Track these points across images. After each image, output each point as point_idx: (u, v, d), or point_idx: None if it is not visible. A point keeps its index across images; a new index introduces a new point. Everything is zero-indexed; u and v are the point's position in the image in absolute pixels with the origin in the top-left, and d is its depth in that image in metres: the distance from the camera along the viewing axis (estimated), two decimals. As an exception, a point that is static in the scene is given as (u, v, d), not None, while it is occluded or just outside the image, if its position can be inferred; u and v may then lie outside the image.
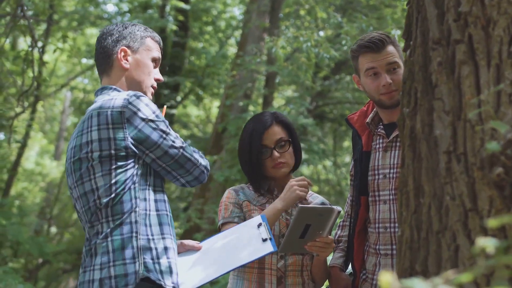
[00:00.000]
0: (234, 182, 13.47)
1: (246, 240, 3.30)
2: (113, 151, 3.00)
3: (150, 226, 3.02)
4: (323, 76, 12.82)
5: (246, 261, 3.23)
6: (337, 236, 3.80)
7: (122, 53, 3.24)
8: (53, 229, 21.46)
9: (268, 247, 3.21)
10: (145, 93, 3.25)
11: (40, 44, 7.07)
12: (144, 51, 3.27)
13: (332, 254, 3.76)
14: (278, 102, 16.56)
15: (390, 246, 3.40)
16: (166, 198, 3.18)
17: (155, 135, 3.03)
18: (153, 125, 3.03)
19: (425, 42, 2.43)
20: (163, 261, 3.01)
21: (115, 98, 3.04)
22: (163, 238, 3.04)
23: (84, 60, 19.22)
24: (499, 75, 2.23)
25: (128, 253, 2.95)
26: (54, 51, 8.40)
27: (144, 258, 2.95)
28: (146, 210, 3.03)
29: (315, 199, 3.80)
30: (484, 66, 2.25)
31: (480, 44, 2.27)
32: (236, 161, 13.01)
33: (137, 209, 3.01)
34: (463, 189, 2.20)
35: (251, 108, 13.78)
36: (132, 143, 3.01)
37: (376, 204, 3.47)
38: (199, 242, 3.45)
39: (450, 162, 2.25)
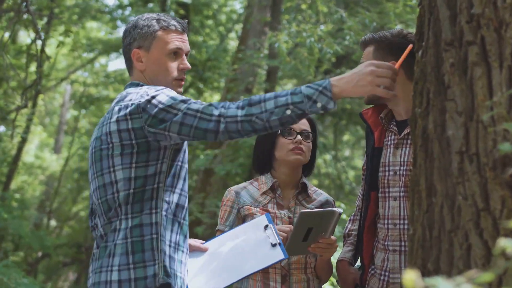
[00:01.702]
0: (235, 176, 13.51)
1: (254, 244, 3.30)
2: (134, 141, 2.95)
3: (166, 229, 2.96)
4: (324, 70, 12.80)
5: (257, 269, 3.23)
6: (347, 230, 3.83)
7: (136, 56, 3.18)
8: (53, 223, 21.48)
9: (279, 254, 3.22)
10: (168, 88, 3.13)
11: (41, 38, 7.05)
12: (156, 47, 3.15)
13: (341, 248, 3.79)
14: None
15: (398, 243, 3.43)
16: (186, 205, 3.09)
17: (168, 116, 2.89)
18: (167, 107, 2.90)
19: (437, 43, 2.46)
20: (171, 271, 2.95)
21: (137, 92, 3.01)
22: (169, 246, 2.97)
23: (84, 54, 19.20)
24: (511, 76, 2.25)
25: (148, 255, 2.90)
26: (58, 46, 8.42)
27: (164, 261, 2.91)
28: (166, 212, 2.97)
29: (319, 196, 3.82)
30: (497, 68, 2.27)
31: (492, 46, 2.30)
32: (238, 155, 13.05)
33: (158, 210, 2.95)
34: (475, 189, 2.23)
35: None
36: (149, 131, 2.92)
37: (386, 200, 3.50)
38: (203, 242, 3.45)
39: (463, 162, 2.28)
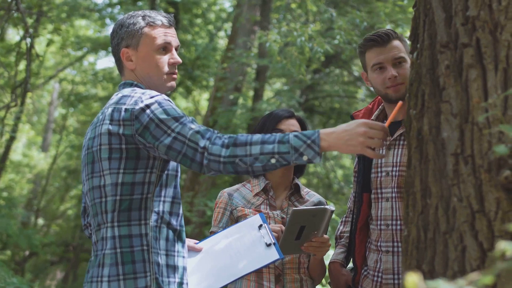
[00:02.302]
0: (223, 175, 13.50)
1: (249, 244, 3.29)
2: (123, 146, 2.91)
3: (159, 240, 2.92)
4: (313, 70, 12.85)
5: (252, 270, 3.21)
6: (339, 231, 3.84)
7: (125, 55, 3.14)
8: (40, 221, 21.42)
9: (274, 255, 3.20)
10: (161, 86, 3.13)
11: (31, 36, 7.02)
12: (144, 44, 3.10)
13: (333, 249, 3.79)
14: (266, 94, 16.59)
15: (391, 243, 3.44)
16: (180, 211, 3.05)
17: (158, 132, 2.84)
18: (158, 122, 2.84)
19: (433, 45, 2.47)
20: (165, 279, 2.90)
21: (131, 96, 2.96)
22: (166, 255, 2.93)
23: (72, 52, 19.15)
24: (506, 79, 2.26)
25: (140, 267, 2.86)
26: (48, 44, 8.39)
27: (155, 273, 2.87)
28: (157, 222, 2.92)
29: (311, 197, 3.82)
30: (492, 70, 2.28)
31: (487, 48, 2.31)
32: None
33: (148, 221, 2.91)
34: (470, 190, 2.24)
35: (241, 101, 13.80)
36: (139, 140, 2.88)
37: (379, 201, 3.51)
38: (197, 241, 3.43)
39: (458, 164, 2.29)
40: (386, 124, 2.76)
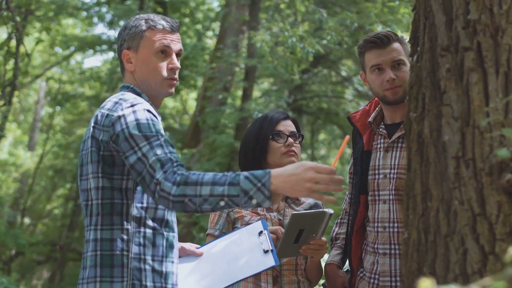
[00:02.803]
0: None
1: (247, 250, 3.29)
2: (101, 152, 2.93)
3: (144, 246, 2.91)
4: (302, 70, 12.86)
5: (247, 275, 3.21)
6: (334, 233, 3.84)
7: (125, 57, 3.14)
8: (26, 220, 21.33)
9: (270, 261, 3.19)
10: (158, 90, 3.11)
11: (21, 34, 6.99)
12: (144, 47, 3.09)
13: (329, 251, 3.79)
14: (255, 94, 16.59)
15: (388, 246, 3.45)
16: (167, 217, 3.02)
17: (126, 146, 2.84)
18: (128, 136, 2.83)
19: (433, 48, 2.47)
20: (149, 284, 2.90)
21: (115, 102, 2.97)
22: (153, 260, 2.92)
23: (60, 50, 19.08)
24: (507, 82, 2.28)
25: (117, 271, 2.87)
26: (37, 43, 8.36)
27: (133, 279, 2.86)
28: (139, 228, 2.92)
29: (307, 198, 3.82)
30: (493, 74, 2.30)
31: (488, 52, 2.32)
32: (215, 154, 13.03)
33: (130, 227, 2.91)
34: (471, 194, 2.25)
35: (229, 101, 13.79)
36: (113, 147, 2.90)
37: (376, 203, 3.51)
38: (198, 246, 3.44)
39: (459, 167, 2.30)
40: (332, 165, 2.70)
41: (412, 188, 2.50)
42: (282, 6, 11.73)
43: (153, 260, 2.92)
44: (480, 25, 2.35)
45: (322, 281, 3.83)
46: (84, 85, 19.13)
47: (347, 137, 2.81)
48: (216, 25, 17.52)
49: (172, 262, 3.01)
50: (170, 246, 3.01)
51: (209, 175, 2.68)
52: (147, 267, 2.89)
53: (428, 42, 2.51)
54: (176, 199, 2.67)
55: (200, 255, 3.36)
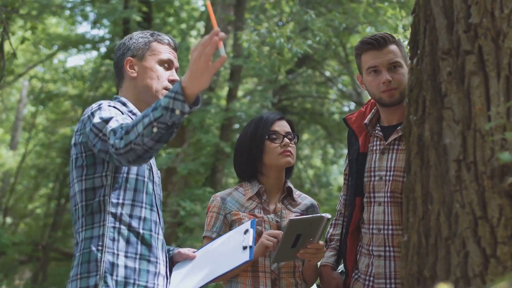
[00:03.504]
0: (197, 176, 13.47)
1: (231, 248, 3.31)
2: (83, 154, 3.06)
3: (118, 241, 2.99)
4: (286, 70, 12.86)
5: (224, 271, 3.22)
6: (329, 234, 3.83)
7: (129, 64, 3.26)
8: (8, 220, 21.18)
9: (244, 256, 3.20)
10: (156, 98, 3.20)
11: (7, 33, 6.94)
12: (150, 56, 3.26)
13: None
14: (240, 94, 16.58)
15: (383, 248, 3.45)
16: (147, 216, 3.10)
17: (92, 135, 2.96)
18: (93, 127, 2.96)
19: (434, 51, 2.48)
20: (120, 279, 2.97)
21: (89, 107, 3.10)
22: (126, 256, 3.00)
23: (43, 49, 18.94)
24: (509, 86, 2.29)
25: (93, 266, 2.96)
26: (22, 42, 8.30)
27: (105, 272, 2.95)
28: (115, 224, 3.01)
29: (304, 200, 3.82)
30: (494, 77, 2.31)
31: (490, 56, 2.33)
32: (200, 154, 13.02)
33: (105, 222, 3.00)
34: (473, 197, 2.26)
35: (215, 100, 13.78)
36: (89, 144, 3.01)
37: (371, 205, 3.51)
38: (195, 250, 3.45)
39: (460, 171, 2.30)
40: (214, 26, 2.67)
41: (412, 190, 2.50)
42: (268, 6, 11.72)
43: (125, 257, 3.00)
44: (481, 28, 2.36)
45: (316, 282, 3.83)
46: (67, 84, 19.02)
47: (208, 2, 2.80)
48: (201, 25, 17.49)
49: (149, 261, 3.06)
50: (146, 245, 3.07)
51: (141, 114, 2.77)
52: (120, 262, 2.98)
53: (429, 45, 2.51)
54: (125, 149, 2.75)
55: (193, 258, 3.37)
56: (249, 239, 3.24)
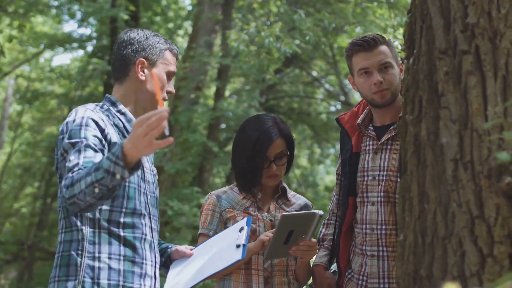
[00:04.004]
0: (185, 175, 13.46)
1: (226, 246, 3.31)
2: (59, 158, 3.05)
3: (99, 244, 3.01)
4: (274, 70, 12.86)
5: (217, 270, 3.22)
6: (321, 234, 3.83)
7: (140, 65, 3.23)
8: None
9: (237, 255, 3.20)
10: (155, 106, 3.19)
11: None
12: (161, 64, 3.27)
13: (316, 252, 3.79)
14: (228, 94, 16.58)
15: (376, 248, 3.46)
16: (127, 220, 3.09)
17: (59, 154, 3.02)
18: (64, 143, 2.99)
19: (430, 51, 2.48)
20: (103, 281, 2.99)
21: (70, 113, 3.11)
22: (109, 258, 3.01)
23: (31, 48, 18.86)
24: (506, 86, 2.29)
25: (72, 270, 2.98)
26: (10, 40, 8.28)
27: (84, 277, 2.96)
28: (94, 228, 3.02)
29: (298, 200, 3.82)
30: (491, 77, 2.31)
31: (487, 56, 2.33)
32: (187, 153, 12.99)
33: (84, 227, 3.02)
34: (469, 196, 2.26)
35: (202, 100, 13.76)
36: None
37: (364, 205, 3.52)
38: (193, 248, 3.45)
39: (457, 170, 2.31)
40: (159, 104, 2.74)
41: (408, 190, 2.50)
42: (256, 6, 11.71)
43: (109, 258, 3.01)
44: (478, 28, 2.37)
45: (309, 282, 3.84)
46: (53, 83, 18.95)
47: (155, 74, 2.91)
48: (188, 24, 17.47)
49: (133, 262, 3.07)
50: (130, 246, 3.07)
51: (86, 169, 2.77)
52: (102, 265, 2.99)
53: (425, 45, 2.51)
54: (70, 201, 2.79)
55: (190, 255, 3.37)
56: (242, 237, 3.24)
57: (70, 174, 2.81)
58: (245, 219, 3.37)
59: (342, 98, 18.13)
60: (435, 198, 2.36)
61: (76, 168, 2.83)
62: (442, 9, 2.48)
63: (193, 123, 13.17)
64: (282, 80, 15.99)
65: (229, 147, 15.60)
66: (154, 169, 3.37)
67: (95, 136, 2.98)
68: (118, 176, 2.67)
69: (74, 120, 3.02)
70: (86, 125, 3.00)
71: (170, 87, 3.30)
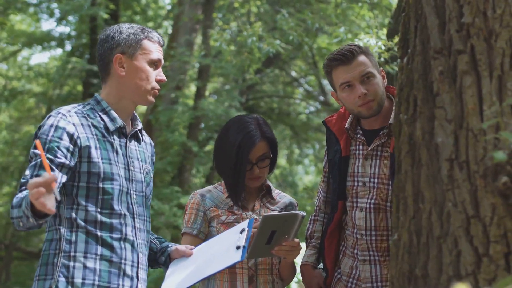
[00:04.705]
0: (164, 175, 13.42)
1: (225, 247, 3.30)
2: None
3: (75, 243, 3.02)
4: (255, 70, 12.84)
5: (216, 270, 3.20)
6: (309, 231, 3.81)
7: (118, 61, 3.18)
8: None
9: (236, 256, 3.19)
10: (144, 98, 3.20)
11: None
12: (140, 55, 3.18)
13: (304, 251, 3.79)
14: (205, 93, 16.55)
15: (367, 253, 3.45)
16: (105, 219, 3.08)
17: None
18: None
19: (425, 51, 2.49)
20: (77, 281, 3.00)
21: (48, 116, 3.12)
22: (85, 257, 3.02)
23: (4, 45, 18.69)
24: (501, 86, 2.30)
25: (50, 269, 3.02)
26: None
27: (59, 276, 2.98)
28: (71, 228, 3.04)
29: (282, 198, 3.82)
30: (486, 77, 2.32)
31: (482, 55, 2.34)
32: (167, 153, 12.96)
33: (61, 227, 3.04)
34: (465, 196, 2.27)
35: (182, 99, 13.72)
36: None
37: (353, 209, 3.50)
38: (193, 247, 3.43)
39: (452, 170, 2.31)
40: (42, 155, 2.75)
41: (403, 190, 2.51)
42: (237, 5, 11.70)
43: (85, 257, 3.03)
44: (473, 28, 2.37)
45: (299, 278, 3.84)
46: (31, 81, 18.81)
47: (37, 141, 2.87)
48: (167, 23, 17.42)
49: (111, 261, 3.07)
50: (108, 246, 3.07)
51: (19, 198, 2.84)
52: (77, 264, 3.01)
53: (420, 44, 2.52)
54: (12, 221, 2.87)
55: (190, 255, 3.36)
56: (243, 239, 3.23)
57: (17, 193, 2.89)
58: (247, 221, 3.37)
59: (322, 98, 18.19)
60: (430, 197, 2.37)
61: (24, 187, 2.89)
62: (437, 8, 2.48)
63: (173, 123, 13.12)
64: (262, 80, 15.99)
65: (209, 147, 15.60)
66: (148, 167, 3.33)
67: (58, 148, 2.99)
68: (31, 220, 2.75)
69: (43, 126, 3.05)
70: (52, 135, 3.02)
71: (160, 76, 3.23)
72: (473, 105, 2.31)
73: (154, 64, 3.22)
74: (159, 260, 3.42)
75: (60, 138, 3.01)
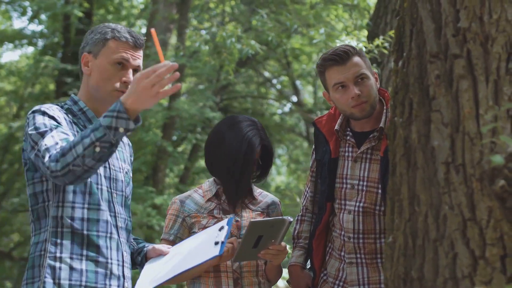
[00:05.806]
0: (138, 174, 13.36)
1: (204, 243, 3.30)
2: (26, 160, 3.08)
3: (61, 244, 3.00)
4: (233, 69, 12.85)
5: (193, 265, 3.19)
6: (296, 232, 3.80)
7: (84, 60, 3.19)
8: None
9: (214, 251, 3.19)
10: (106, 99, 3.14)
11: None
12: (103, 55, 3.14)
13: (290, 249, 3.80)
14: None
15: (354, 255, 3.46)
16: (92, 217, 3.07)
17: (27, 145, 3.01)
18: (28, 136, 3.00)
19: (421, 54, 2.50)
20: (64, 282, 2.98)
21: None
22: (71, 258, 3.00)
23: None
24: (497, 90, 2.32)
25: (36, 271, 3.01)
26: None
27: (45, 277, 2.96)
28: (57, 228, 3.01)
29: (264, 197, 3.81)
30: (483, 82, 2.34)
31: (478, 60, 2.36)
32: (141, 153, 12.91)
33: (48, 227, 3.03)
34: (461, 199, 2.29)
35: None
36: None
37: (341, 212, 3.50)
38: (170, 246, 3.42)
39: (449, 173, 2.33)
40: (161, 60, 2.77)
41: (398, 192, 2.52)
42: (212, 5, 11.69)
43: (71, 258, 3.00)
44: (470, 33, 2.39)
45: (287, 278, 3.85)
46: (3, 80, 18.64)
47: (153, 30, 2.87)
48: (141, 23, 17.36)
49: (97, 261, 3.05)
50: (93, 246, 3.05)
51: (76, 137, 2.84)
52: (63, 265, 2.99)
53: (416, 48, 2.53)
54: (63, 171, 2.80)
55: (167, 254, 3.35)
56: (222, 235, 3.23)
57: (53, 151, 2.84)
58: (226, 219, 3.36)
59: (294, 98, 18.24)
60: (426, 200, 2.38)
61: (57, 146, 2.86)
62: (433, 13, 2.50)
63: (147, 122, 13.08)
64: (236, 80, 15.99)
65: (183, 147, 15.57)
66: (127, 166, 3.31)
67: (59, 124, 3.01)
68: (121, 130, 2.74)
69: (34, 116, 3.02)
70: (48, 119, 3.01)
71: (126, 77, 3.14)
72: (470, 109, 2.33)
73: (119, 64, 3.14)
74: (136, 260, 3.41)
75: (59, 123, 3.02)
